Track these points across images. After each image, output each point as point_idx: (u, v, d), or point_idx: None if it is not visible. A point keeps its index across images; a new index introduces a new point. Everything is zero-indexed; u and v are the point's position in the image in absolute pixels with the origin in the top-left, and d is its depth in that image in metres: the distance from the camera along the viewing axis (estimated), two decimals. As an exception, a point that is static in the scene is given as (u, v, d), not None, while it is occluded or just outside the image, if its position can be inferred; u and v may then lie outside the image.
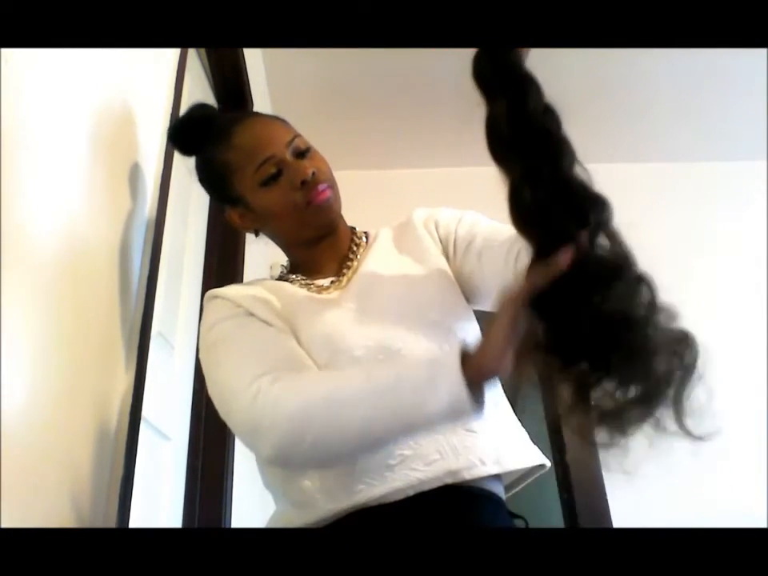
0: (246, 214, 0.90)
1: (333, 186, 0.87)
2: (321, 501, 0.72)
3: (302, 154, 0.87)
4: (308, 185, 0.84)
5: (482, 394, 0.62)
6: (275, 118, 0.92)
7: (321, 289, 0.87)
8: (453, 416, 0.62)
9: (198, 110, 0.95)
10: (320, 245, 0.90)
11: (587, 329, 0.58)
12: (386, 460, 0.71)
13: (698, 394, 0.58)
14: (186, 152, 0.96)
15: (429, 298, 0.83)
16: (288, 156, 0.85)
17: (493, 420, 0.77)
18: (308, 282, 0.89)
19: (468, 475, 0.72)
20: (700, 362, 0.58)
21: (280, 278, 0.93)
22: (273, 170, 0.84)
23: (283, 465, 0.73)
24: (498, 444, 0.76)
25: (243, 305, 0.82)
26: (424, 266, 0.86)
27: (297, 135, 0.88)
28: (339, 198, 0.89)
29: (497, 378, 0.63)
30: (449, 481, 0.71)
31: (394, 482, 0.70)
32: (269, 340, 0.78)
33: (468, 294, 0.87)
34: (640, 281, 0.59)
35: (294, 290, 0.87)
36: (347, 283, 0.87)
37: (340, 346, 0.77)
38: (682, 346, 0.59)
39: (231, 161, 0.86)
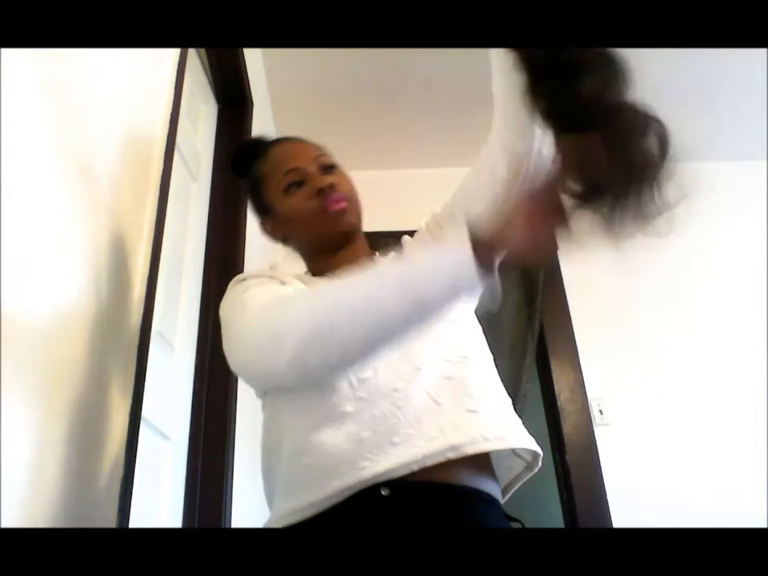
0: (273, 221, 0.98)
1: (351, 200, 0.94)
2: (327, 478, 0.73)
3: (327, 168, 0.95)
4: (324, 192, 0.91)
5: (492, 265, 0.63)
6: (307, 141, 1.01)
7: None
8: (459, 279, 0.62)
9: (253, 139, 1.08)
10: (338, 255, 0.95)
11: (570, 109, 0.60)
12: (390, 438, 0.73)
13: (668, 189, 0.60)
14: (241, 173, 1.05)
15: None
16: (313, 169, 0.94)
17: (495, 403, 0.81)
18: None
19: (471, 450, 0.73)
20: (671, 149, 0.62)
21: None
22: (296, 179, 0.93)
23: (299, 370, 0.70)
24: (500, 423, 0.79)
25: (276, 277, 0.88)
26: None
27: (324, 153, 0.97)
28: (358, 213, 0.96)
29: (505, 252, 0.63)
30: (451, 456, 0.72)
31: (397, 458, 0.72)
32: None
33: None
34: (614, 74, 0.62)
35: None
36: None
37: None
38: (656, 129, 0.63)
39: (264, 172, 0.97)
